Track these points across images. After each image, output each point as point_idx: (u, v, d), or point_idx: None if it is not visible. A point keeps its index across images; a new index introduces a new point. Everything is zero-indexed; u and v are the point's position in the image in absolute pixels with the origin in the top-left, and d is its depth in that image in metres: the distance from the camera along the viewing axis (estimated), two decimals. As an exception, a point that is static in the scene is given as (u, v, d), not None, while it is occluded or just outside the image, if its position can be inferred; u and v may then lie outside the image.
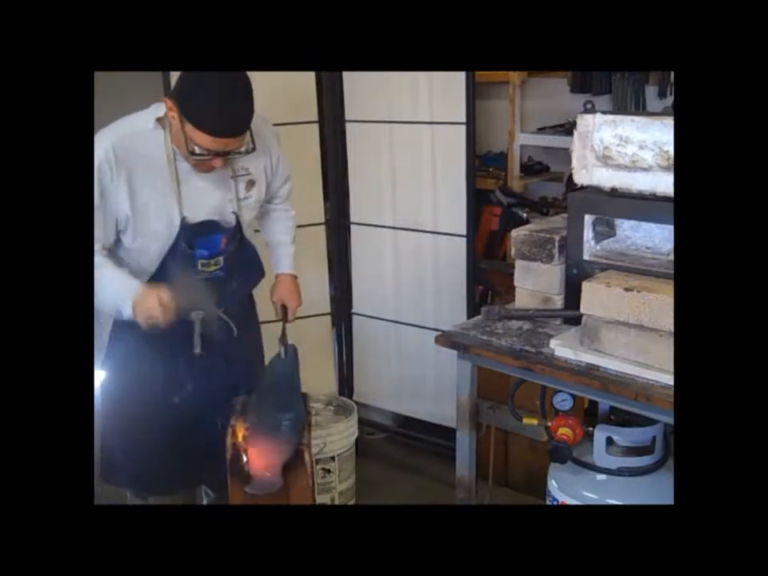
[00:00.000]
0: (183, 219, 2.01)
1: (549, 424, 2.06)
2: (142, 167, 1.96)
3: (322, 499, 2.95)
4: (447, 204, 3.13)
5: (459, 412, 2.18)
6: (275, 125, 2.28)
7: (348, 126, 3.31)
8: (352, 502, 3.06)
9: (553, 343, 1.97)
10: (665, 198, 1.84)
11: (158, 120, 1.99)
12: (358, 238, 3.43)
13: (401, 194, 3.27)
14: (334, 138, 3.32)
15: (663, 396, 1.73)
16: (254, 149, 2.00)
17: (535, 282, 2.17)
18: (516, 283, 2.22)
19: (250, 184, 2.14)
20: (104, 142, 1.93)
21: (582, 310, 1.90)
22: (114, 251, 2.05)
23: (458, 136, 2.98)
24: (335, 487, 2.96)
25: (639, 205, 1.93)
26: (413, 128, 3.14)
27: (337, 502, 2.99)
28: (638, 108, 3.77)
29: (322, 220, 3.31)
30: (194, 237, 2.05)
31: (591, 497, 2.00)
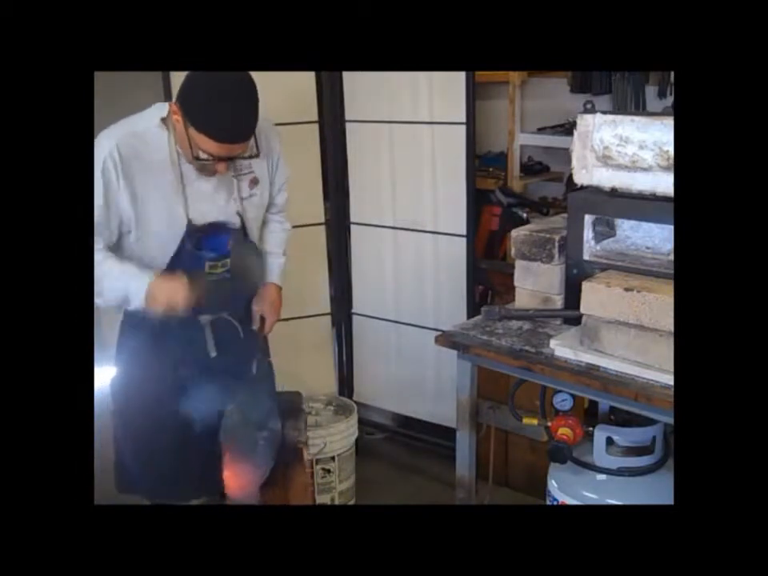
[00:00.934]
0: (189, 221, 2.01)
1: (549, 424, 2.06)
2: (146, 167, 1.96)
3: (322, 499, 2.95)
4: (447, 204, 3.14)
5: (459, 412, 2.18)
6: (275, 125, 2.28)
7: (348, 125, 3.31)
8: (352, 502, 3.06)
9: (553, 343, 1.97)
10: (665, 198, 1.84)
11: (162, 120, 1.98)
12: (358, 238, 3.43)
13: (401, 194, 3.27)
14: (334, 138, 3.32)
15: (663, 396, 1.73)
16: (258, 154, 2.01)
17: (535, 282, 2.17)
18: (516, 283, 2.22)
19: (254, 182, 2.14)
20: (108, 142, 1.92)
21: (582, 309, 1.90)
22: (119, 252, 2.03)
23: (458, 136, 2.99)
24: (335, 487, 2.97)
25: (639, 205, 1.93)
26: (413, 128, 3.14)
27: (337, 502, 2.99)
28: (638, 108, 3.77)
29: (322, 220, 3.31)
30: (201, 238, 2.04)
31: (591, 497, 2.00)
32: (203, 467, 2.16)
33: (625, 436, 2.00)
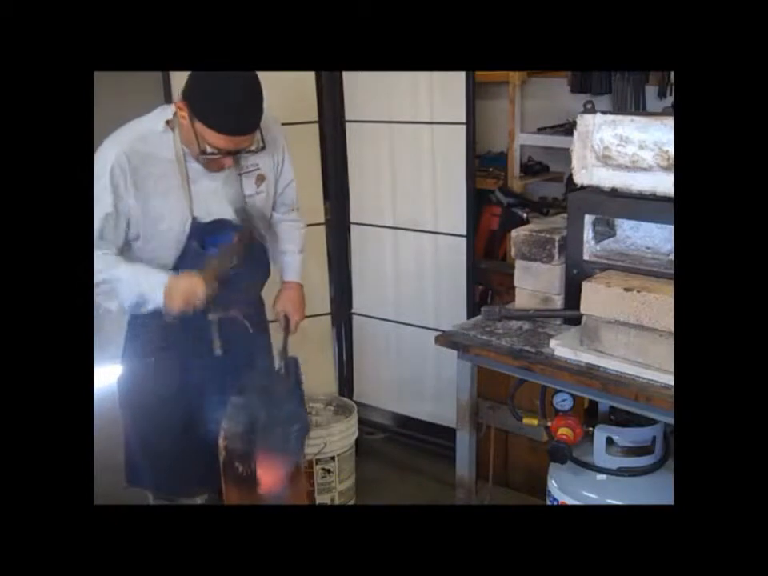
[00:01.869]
0: (194, 219, 2.02)
1: (549, 424, 2.06)
2: (153, 171, 1.97)
3: (322, 499, 2.95)
4: (447, 204, 3.13)
5: (459, 412, 2.18)
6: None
7: (348, 125, 3.31)
8: (352, 502, 3.06)
9: (553, 343, 1.97)
10: (665, 198, 1.84)
11: (167, 122, 1.99)
12: (358, 238, 3.43)
13: (401, 194, 3.27)
14: (334, 138, 3.32)
15: (663, 396, 1.73)
16: (263, 147, 2.02)
17: (535, 282, 2.17)
18: (516, 283, 2.22)
19: (260, 179, 2.15)
20: (116, 148, 1.93)
21: (582, 309, 1.90)
22: (127, 254, 2.04)
23: (458, 136, 2.98)
24: (335, 487, 2.96)
25: (639, 205, 1.93)
26: (413, 128, 3.14)
27: (337, 502, 2.99)
28: (638, 108, 3.76)
29: (322, 220, 3.31)
30: (206, 236, 2.05)
31: (591, 497, 2.00)
32: (206, 463, 2.17)
33: (625, 436, 2.00)
